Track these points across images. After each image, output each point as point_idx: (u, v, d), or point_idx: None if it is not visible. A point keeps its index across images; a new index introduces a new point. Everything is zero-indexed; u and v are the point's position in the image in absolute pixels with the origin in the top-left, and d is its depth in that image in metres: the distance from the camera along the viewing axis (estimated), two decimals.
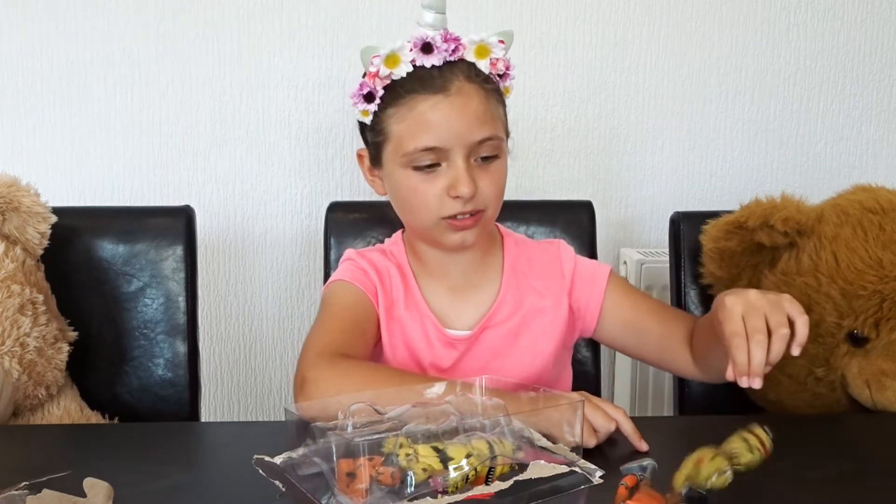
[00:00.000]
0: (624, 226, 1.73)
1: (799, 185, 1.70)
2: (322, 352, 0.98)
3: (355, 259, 1.13)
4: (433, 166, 1.01)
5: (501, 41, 1.03)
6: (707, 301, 1.30)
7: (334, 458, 0.69)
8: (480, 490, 0.71)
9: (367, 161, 1.10)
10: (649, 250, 1.67)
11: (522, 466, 0.73)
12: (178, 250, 1.28)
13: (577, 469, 0.74)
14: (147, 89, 1.60)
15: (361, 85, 1.03)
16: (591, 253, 1.32)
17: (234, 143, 1.63)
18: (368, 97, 1.03)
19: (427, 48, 0.99)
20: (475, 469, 0.71)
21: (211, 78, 1.61)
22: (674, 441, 0.93)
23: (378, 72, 1.00)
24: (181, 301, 1.27)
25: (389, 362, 1.08)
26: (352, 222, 1.33)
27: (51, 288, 1.21)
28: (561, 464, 0.75)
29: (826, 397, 1.19)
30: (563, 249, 1.15)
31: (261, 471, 0.73)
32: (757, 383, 0.83)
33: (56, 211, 1.19)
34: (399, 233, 1.17)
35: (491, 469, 0.72)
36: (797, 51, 1.69)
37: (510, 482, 0.71)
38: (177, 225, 1.29)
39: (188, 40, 1.59)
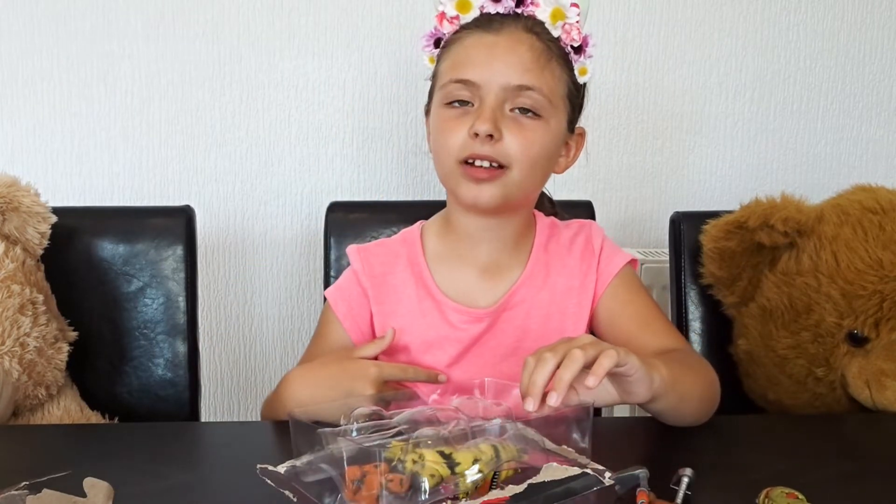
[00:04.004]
0: (624, 226, 1.73)
1: (799, 185, 1.69)
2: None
3: (348, 272, 1.12)
4: (465, 104, 0.99)
5: (575, 4, 1.00)
6: (707, 301, 1.30)
7: (344, 465, 0.68)
8: (496, 494, 0.70)
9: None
10: (649, 250, 1.67)
11: (532, 469, 0.73)
12: (178, 250, 1.27)
13: (588, 471, 0.74)
14: (147, 89, 1.60)
15: (434, 30, 1.03)
16: None
17: (234, 143, 1.63)
18: (437, 42, 1.03)
19: None
20: (483, 475, 0.70)
21: (211, 78, 1.61)
22: (672, 441, 0.93)
23: (446, 13, 1.01)
24: (181, 301, 1.27)
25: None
26: (352, 222, 1.33)
27: (51, 288, 1.20)
28: (571, 465, 0.74)
29: (826, 397, 1.19)
30: (594, 228, 1.13)
31: (268, 480, 0.73)
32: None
33: (56, 211, 1.18)
34: (419, 223, 1.15)
35: (496, 473, 0.71)
36: (797, 51, 1.69)
37: (524, 485, 0.70)
38: (177, 225, 1.28)
39: (188, 40, 1.59)
